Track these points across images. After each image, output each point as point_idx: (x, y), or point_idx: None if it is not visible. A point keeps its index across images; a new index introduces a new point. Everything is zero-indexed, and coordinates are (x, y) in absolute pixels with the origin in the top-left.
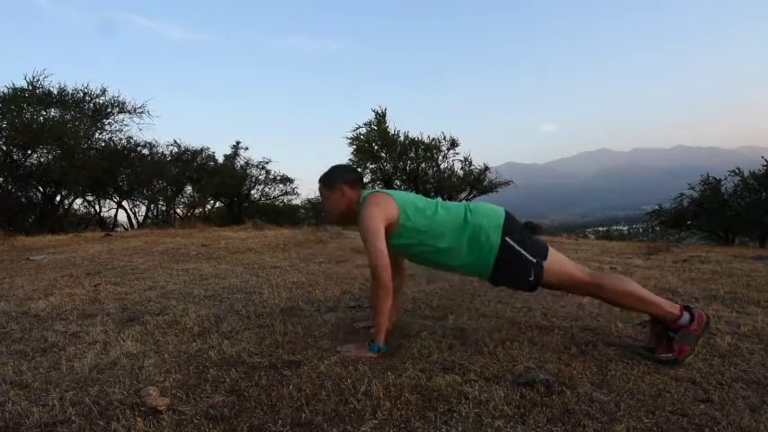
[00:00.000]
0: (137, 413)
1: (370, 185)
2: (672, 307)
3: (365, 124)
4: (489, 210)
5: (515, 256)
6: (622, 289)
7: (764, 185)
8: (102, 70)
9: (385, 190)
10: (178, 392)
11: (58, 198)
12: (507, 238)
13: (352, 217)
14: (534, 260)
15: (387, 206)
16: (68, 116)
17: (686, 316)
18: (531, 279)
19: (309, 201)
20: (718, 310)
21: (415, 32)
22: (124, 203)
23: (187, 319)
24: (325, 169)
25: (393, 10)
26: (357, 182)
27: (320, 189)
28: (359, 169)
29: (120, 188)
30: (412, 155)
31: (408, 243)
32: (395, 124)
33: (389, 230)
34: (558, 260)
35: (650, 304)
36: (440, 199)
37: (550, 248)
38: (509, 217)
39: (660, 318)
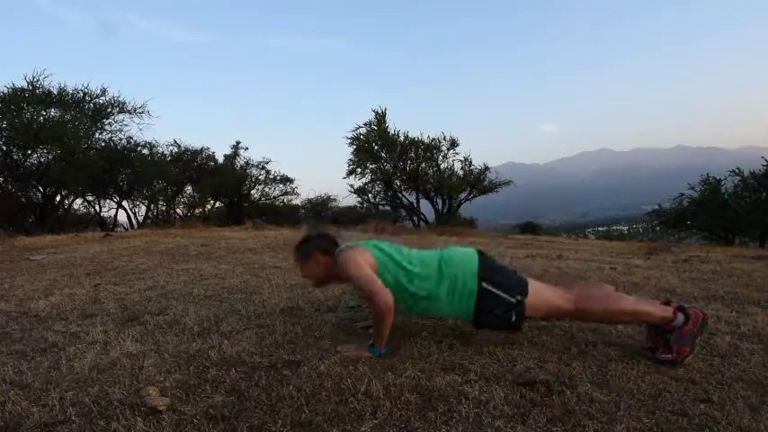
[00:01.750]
0: (137, 413)
1: (370, 185)
2: (664, 311)
3: (365, 124)
4: (463, 257)
5: (494, 300)
6: (611, 309)
7: (764, 185)
8: (102, 70)
9: (360, 243)
10: (178, 392)
11: (58, 198)
12: (483, 284)
13: (331, 278)
14: (514, 300)
15: (364, 254)
16: (68, 116)
17: (680, 317)
18: (514, 320)
19: (309, 201)
20: (718, 310)
21: (415, 33)
22: (124, 203)
23: (187, 319)
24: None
25: (393, 10)
26: (330, 247)
27: (295, 259)
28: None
29: (120, 188)
30: (412, 155)
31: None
32: (395, 124)
33: None
34: (539, 293)
35: (641, 315)
36: (414, 250)
37: (530, 281)
38: (483, 260)
39: (654, 323)
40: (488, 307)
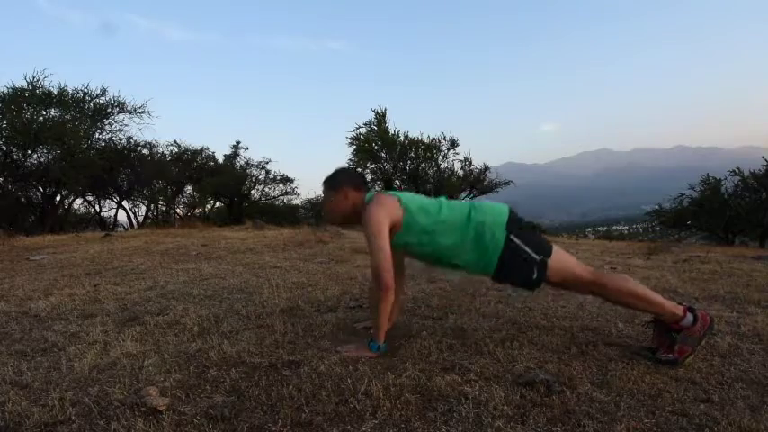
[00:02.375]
0: (137, 413)
1: (370, 185)
2: (675, 308)
3: (365, 124)
4: (493, 208)
5: (519, 254)
6: (626, 289)
7: (764, 185)
8: (102, 70)
9: (389, 191)
10: (178, 392)
11: (58, 198)
12: (512, 236)
13: (355, 219)
14: (538, 258)
15: (391, 206)
16: (68, 116)
17: (689, 317)
18: (535, 277)
19: (309, 201)
20: (719, 310)
21: (415, 33)
22: (124, 203)
23: (187, 319)
24: (329, 171)
25: (393, 11)
26: (361, 185)
27: (324, 191)
28: (359, 170)
29: (120, 188)
30: (412, 155)
31: (413, 242)
32: (395, 124)
33: (394, 230)
34: (561, 258)
35: (653, 304)
36: (444, 198)
37: (554, 246)
38: (513, 215)
39: (663, 318)
40: (513, 260)
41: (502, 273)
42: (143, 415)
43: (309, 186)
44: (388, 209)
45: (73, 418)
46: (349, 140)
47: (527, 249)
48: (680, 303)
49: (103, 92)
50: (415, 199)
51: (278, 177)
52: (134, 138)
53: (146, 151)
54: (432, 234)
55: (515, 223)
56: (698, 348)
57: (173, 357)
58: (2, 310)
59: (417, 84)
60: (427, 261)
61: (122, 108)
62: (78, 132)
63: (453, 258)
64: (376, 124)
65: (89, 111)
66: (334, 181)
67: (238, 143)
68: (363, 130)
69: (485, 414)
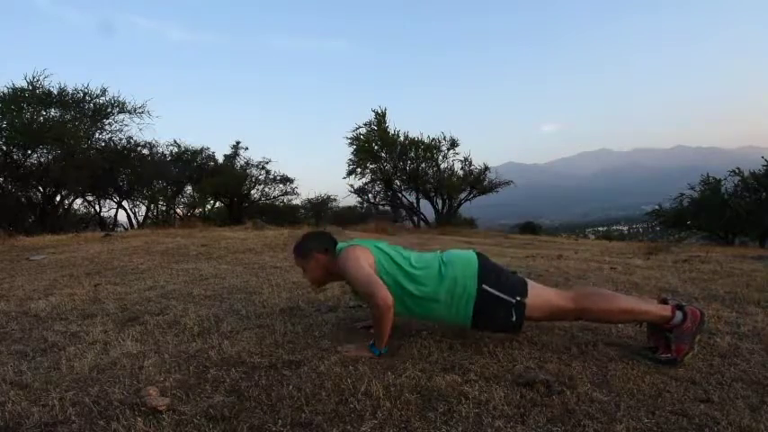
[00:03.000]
0: (137, 413)
1: (370, 185)
2: (662, 310)
3: (365, 124)
4: (462, 259)
5: (494, 301)
6: (610, 308)
7: (764, 185)
8: (102, 70)
9: (359, 242)
10: (178, 392)
11: (58, 198)
12: (484, 285)
13: (334, 277)
14: (514, 300)
15: (364, 254)
16: (68, 116)
17: (678, 315)
18: (514, 319)
19: (309, 201)
20: (719, 310)
21: (415, 33)
22: (124, 203)
23: (187, 319)
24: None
25: (393, 11)
26: (329, 246)
27: (295, 259)
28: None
29: (120, 188)
30: (412, 155)
31: None
32: (395, 124)
33: None
34: (538, 294)
35: (640, 314)
36: (413, 252)
37: (529, 282)
38: (482, 261)
39: (653, 323)
40: (489, 309)
41: (480, 322)
42: (143, 415)
43: (309, 186)
44: (362, 253)
45: (73, 418)
46: (349, 140)
47: (501, 295)
48: (665, 301)
49: (103, 92)
50: (385, 250)
51: (278, 177)
52: (134, 138)
53: (146, 151)
54: (406, 287)
55: (486, 270)
56: (695, 344)
57: (173, 357)
58: (2, 310)
59: (417, 83)
60: (400, 314)
61: (122, 108)
62: (78, 132)
63: (429, 311)
64: (376, 124)
65: (89, 111)
66: (301, 249)
67: (238, 143)
68: (363, 130)
69: (485, 414)
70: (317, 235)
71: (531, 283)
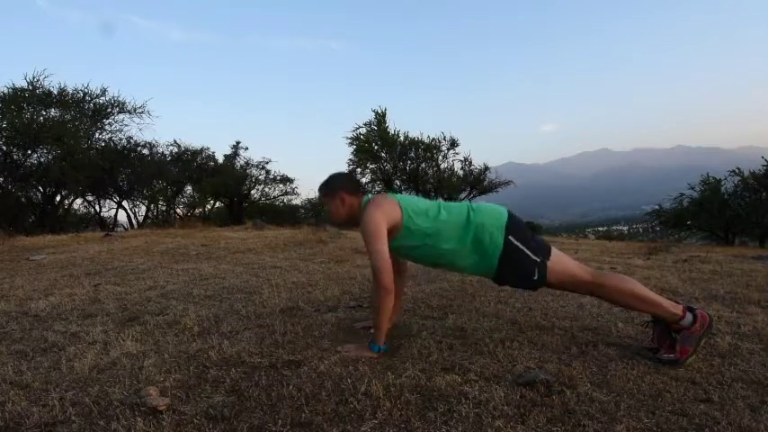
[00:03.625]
0: (137, 413)
1: (370, 185)
2: (674, 308)
3: (365, 124)
4: (492, 210)
5: (519, 256)
6: (625, 289)
7: (764, 185)
8: (102, 70)
9: (388, 193)
10: (178, 392)
11: (58, 198)
12: (511, 238)
13: (354, 221)
14: (538, 259)
15: (389, 209)
16: (68, 116)
17: (689, 317)
18: (536, 278)
19: (309, 201)
20: (719, 310)
21: (415, 33)
22: (124, 203)
23: (187, 319)
24: (329, 172)
25: (394, 11)
26: (356, 188)
27: (320, 197)
28: (358, 170)
29: (120, 188)
30: (412, 155)
31: (412, 245)
32: (395, 124)
33: (393, 233)
34: (560, 260)
35: (653, 305)
36: (441, 200)
37: (553, 248)
38: (512, 217)
39: (662, 318)
40: (513, 262)
41: (502, 274)
42: (143, 415)
43: (309, 186)
44: (386, 211)
45: (73, 418)
46: (349, 140)
47: (526, 251)
48: (678, 303)
49: (103, 92)
50: (413, 201)
51: (278, 177)
52: (134, 138)
53: (146, 151)
54: (432, 236)
55: (515, 225)
56: (698, 348)
57: (173, 357)
58: (2, 310)
59: (417, 84)
60: (427, 264)
61: (122, 108)
62: (78, 132)
63: (453, 261)
64: (376, 124)
65: (89, 111)
66: (329, 187)
67: (238, 143)
68: (363, 130)
69: (485, 414)
70: (346, 175)
71: (554, 250)
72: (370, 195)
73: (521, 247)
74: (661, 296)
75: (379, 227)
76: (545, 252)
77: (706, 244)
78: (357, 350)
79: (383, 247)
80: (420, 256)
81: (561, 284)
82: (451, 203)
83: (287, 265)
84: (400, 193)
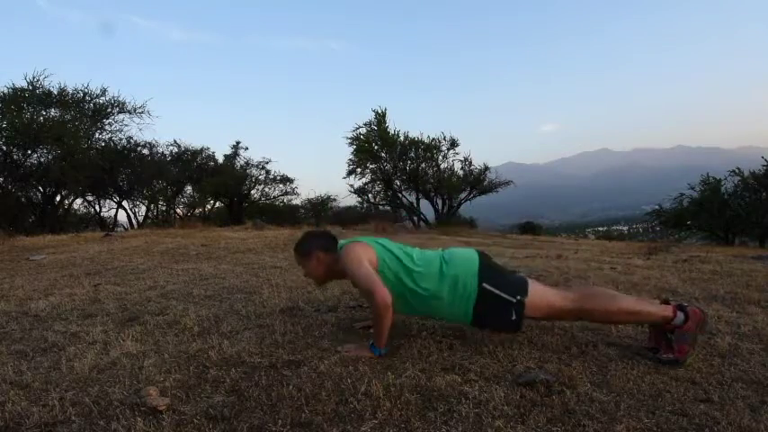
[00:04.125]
0: (137, 413)
1: (370, 185)
2: (663, 310)
3: (365, 124)
4: (463, 257)
5: (495, 300)
6: (611, 308)
7: (764, 185)
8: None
9: (362, 239)
10: (178, 392)
11: (58, 198)
12: (484, 284)
13: (336, 274)
14: (514, 299)
15: (365, 251)
16: (68, 116)
17: (680, 316)
18: (514, 318)
19: (309, 201)
20: (718, 310)
21: (415, 33)
22: (124, 203)
23: (187, 319)
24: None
25: (394, 11)
26: (331, 246)
27: (296, 258)
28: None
29: (120, 188)
30: (412, 155)
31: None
32: (395, 124)
33: None
34: (539, 293)
35: (641, 315)
36: (415, 249)
37: (530, 281)
38: (483, 260)
39: (656, 323)
40: (489, 307)
41: (480, 320)
42: (143, 415)
43: (309, 186)
44: (363, 250)
45: (73, 418)
46: (349, 140)
47: (502, 294)
48: (667, 302)
49: (103, 92)
50: (388, 248)
51: (278, 177)
52: (134, 138)
53: (146, 151)
54: (408, 283)
55: (487, 269)
56: (696, 345)
57: (173, 357)
58: (2, 310)
59: (417, 84)
60: (402, 311)
61: (122, 108)
62: (78, 132)
63: (428, 311)
64: (376, 124)
65: (89, 111)
66: (303, 247)
67: (238, 143)
68: (363, 130)
69: (485, 414)
70: (317, 234)
71: (531, 283)
72: (345, 241)
73: (495, 291)
74: (648, 301)
75: (361, 257)
76: (522, 290)
77: (706, 244)
78: (357, 350)
79: (369, 270)
80: (395, 298)
81: (546, 317)
82: (425, 251)
83: (287, 265)
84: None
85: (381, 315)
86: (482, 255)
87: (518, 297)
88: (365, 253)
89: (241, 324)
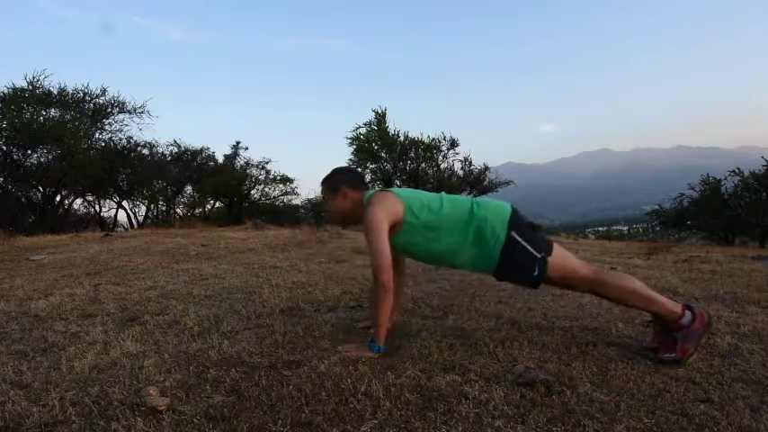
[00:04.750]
0: (137, 413)
1: (370, 185)
2: (674, 306)
3: (365, 124)
4: (496, 205)
5: (521, 251)
6: (625, 287)
7: (764, 185)
8: (102, 70)
9: (389, 189)
10: (178, 392)
11: (58, 198)
12: (513, 233)
13: (356, 217)
14: (539, 255)
15: (391, 205)
16: (68, 116)
17: (688, 315)
18: (536, 274)
19: (309, 201)
20: (719, 310)
21: (415, 33)
22: (124, 203)
23: (187, 319)
24: (327, 171)
25: (394, 11)
26: (359, 183)
27: (322, 191)
28: (359, 169)
29: (120, 188)
30: (412, 155)
31: (414, 241)
32: (395, 124)
33: (395, 228)
34: (562, 256)
35: (653, 302)
36: (444, 193)
37: (555, 245)
38: (515, 212)
39: (662, 317)
40: (514, 257)
41: (503, 269)
42: (143, 415)
43: (309, 186)
44: (388, 207)
45: (73, 418)
46: (349, 140)
47: (528, 247)
48: (678, 302)
49: (103, 92)
50: (416, 195)
51: (278, 177)
52: (134, 138)
53: (146, 151)
54: (434, 230)
55: (517, 220)
56: (698, 346)
57: (173, 357)
58: (2, 310)
59: (417, 84)
60: (426, 260)
61: (122, 108)
62: (78, 132)
63: (455, 257)
64: (376, 124)
65: (89, 111)
66: (331, 181)
67: (238, 143)
68: (363, 130)
69: (485, 414)
70: (348, 170)
71: (556, 246)
72: (372, 191)
73: (522, 242)
74: (661, 295)
75: (381, 224)
76: (547, 248)
77: (706, 244)
78: (357, 350)
79: (385, 246)
80: (420, 251)
81: (562, 281)
82: (454, 196)
83: (287, 265)
84: None
85: (381, 296)
86: (514, 208)
87: (543, 254)
88: (392, 207)
89: (241, 324)
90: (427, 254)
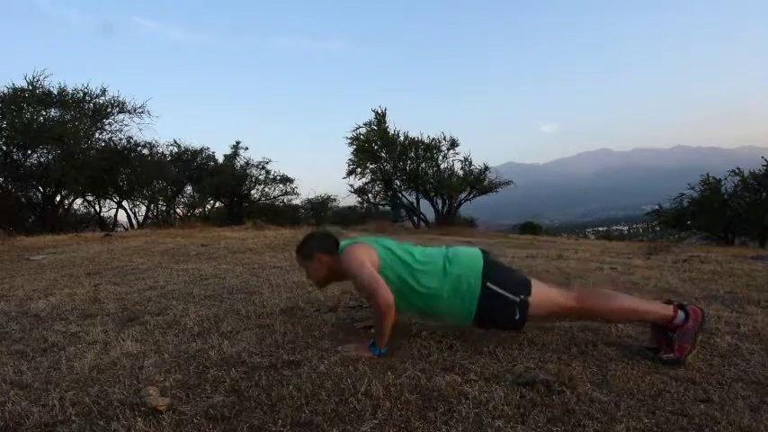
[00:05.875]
0: (137, 413)
1: (370, 185)
2: (665, 309)
3: (365, 124)
4: (467, 256)
5: (498, 299)
6: (612, 307)
7: (764, 185)
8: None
9: (362, 239)
10: (178, 392)
11: (58, 198)
12: (488, 284)
13: (338, 276)
14: (518, 299)
15: (367, 251)
16: (68, 116)
17: (681, 315)
18: (517, 318)
19: (309, 201)
20: (718, 310)
21: (415, 34)
22: (124, 203)
23: (187, 319)
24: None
25: (393, 11)
26: (332, 247)
27: (297, 260)
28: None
29: (120, 188)
30: (412, 155)
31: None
32: (395, 124)
33: None
34: (543, 292)
35: (643, 313)
36: (417, 247)
37: (533, 281)
38: (487, 260)
39: (656, 322)
40: (493, 307)
41: (483, 320)
42: (143, 415)
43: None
44: (365, 250)
45: (73, 418)
46: (349, 140)
47: (505, 293)
48: (669, 302)
49: (103, 92)
50: (389, 246)
51: (278, 177)
52: (134, 138)
53: (146, 151)
54: (410, 282)
55: (490, 268)
56: (696, 343)
57: (173, 357)
58: (2, 310)
59: (418, 84)
60: (403, 308)
61: (122, 108)
62: (78, 132)
63: (433, 308)
64: (376, 124)
65: (89, 111)
66: (305, 249)
67: (238, 143)
68: (363, 130)
69: (485, 414)
70: (319, 235)
71: (534, 282)
72: (346, 242)
73: (499, 290)
74: (649, 300)
75: (362, 257)
76: (525, 288)
77: (706, 244)
78: (357, 350)
79: (369, 269)
80: (397, 297)
81: (549, 316)
82: (427, 249)
83: (287, 265)
84: (400, 193)
85: (383, 315)
86: (486, 253)
87: (521, 296)
88: (367, 253)
89: (241, 324)
90: (403, 304)
